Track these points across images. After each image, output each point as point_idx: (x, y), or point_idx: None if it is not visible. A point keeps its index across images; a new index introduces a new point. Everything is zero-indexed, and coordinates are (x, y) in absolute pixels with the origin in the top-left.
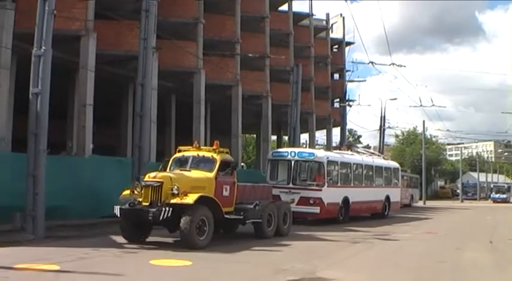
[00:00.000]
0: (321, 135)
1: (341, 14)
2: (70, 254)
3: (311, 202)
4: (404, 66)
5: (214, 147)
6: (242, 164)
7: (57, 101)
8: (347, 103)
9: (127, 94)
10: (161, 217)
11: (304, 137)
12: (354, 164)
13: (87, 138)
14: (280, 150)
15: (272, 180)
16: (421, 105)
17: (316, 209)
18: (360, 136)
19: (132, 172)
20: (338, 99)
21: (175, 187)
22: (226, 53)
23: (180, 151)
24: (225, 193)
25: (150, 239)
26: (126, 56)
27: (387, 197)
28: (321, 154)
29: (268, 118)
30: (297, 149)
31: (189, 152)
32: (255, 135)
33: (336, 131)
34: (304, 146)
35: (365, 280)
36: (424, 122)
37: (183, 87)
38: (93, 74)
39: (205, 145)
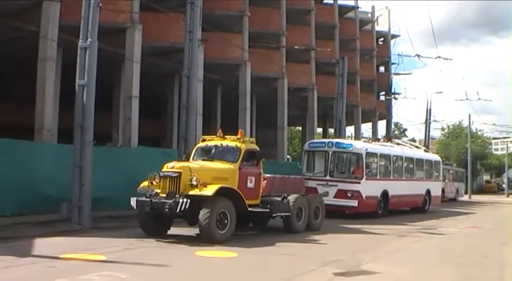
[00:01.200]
0: (366, 128)
1: (386, 7)
2: (116, 244)
3: (349, 195)
4: (451, 60)
5: (238, 136)
6: (288, 156)
7: (103, 93)
8: (393, 96)
9: (172, 86)
10: (178, 210)
11: (350, 130)
12: (393, 156)
13: (132, 130)
14: (317, 140)
15: (309, 172)
16: (466, 99)
17: (354, 203)
18: (405, 129)
19: None
20: (384, 92)
21: (194, 177)
22: (272, 45)
23: (204, 140)
24: (250, 185)
25: (174, 232)
26: (171, 48)
27: (428, 191)
28: (359, 145)
29: (314, 111)
30: (334, 140)
31: (213, 142)
32: (300, 128)
33: (382, 124)
34: (350, 139)
35: (411, 274)
36: (469, 115)
37: (229, 80)
38: (139, 66)
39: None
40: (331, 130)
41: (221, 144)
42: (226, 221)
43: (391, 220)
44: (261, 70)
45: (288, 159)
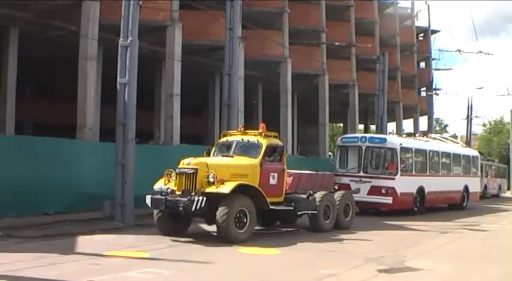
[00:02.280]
0: (407, 125)
1: (426, 2)
2: (159, 242)
3: (383, 191)
4: (492, 54)
5: (260, 130)
6: (329, 153)
7: (144, 91)
8: (434, 92)
9: (213, 84)
10: (193, 208)
11: (392, 127)
12: (429, 151)
13: (174, 128)
14: (350, 135)
15: (342, 168)
16: (508, 94)
17: (389, 200)
18: (446, 125)
19: None
20: (424, 88)
21: (211, 174)
22: (312, 42)
23: (224, 135)
24: (272, 181)
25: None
26: (212, 45)
27: (466, 187)
28: (394, 139)
29: (355, 107)
30: (368, 135)
31: (234, 137)
32: (342, 125)
33: (423, 120)
34: (392, 135)
35: (454, 270)
36: (511, 111)
37: (270, 77)
38: (180, 64)
39: (293, 136)
40: (373, 126)
41: (242, 139)
42: (245, 220)
43: (430, 217)
44: (302, 67)
45: (329, 156)
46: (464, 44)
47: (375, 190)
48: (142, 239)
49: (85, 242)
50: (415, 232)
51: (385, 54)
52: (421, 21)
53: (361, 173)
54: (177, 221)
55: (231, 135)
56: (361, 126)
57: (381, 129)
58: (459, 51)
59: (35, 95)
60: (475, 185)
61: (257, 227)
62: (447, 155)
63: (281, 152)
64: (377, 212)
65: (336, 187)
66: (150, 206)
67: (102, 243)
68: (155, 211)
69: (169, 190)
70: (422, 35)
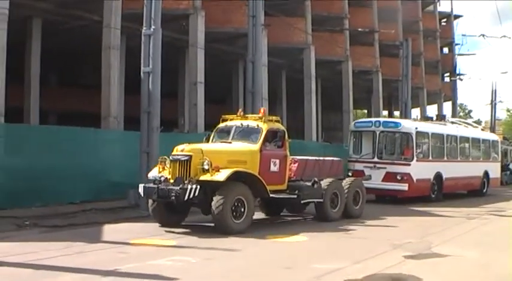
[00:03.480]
0: (431, 110)
1: None
2: (185, 229)
3: (398, 177)
4: None
5: (260, 114)
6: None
7: (168, 79)
8: (457, 77)
9: (237, 71)
10: (186, 197)
11: (416, 113)
12: (447, 135)
13: (198, 116)
14: (363, 120)
15: (355, 154)
16: None
17: (404, 186)
18: (470, 111)
19: None
20: (448, 74)
21: (206, 161)
22: (335, 28)
23: (224, 120)
24: (273, 168)
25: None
26: (235, 33)
27: (486, 173)
28: (408, 124)
29: (379, 93)
30: (382, 119)
31: (233, 122)
32: (366, 111)
33: (447, 106)
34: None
35: (481, 256)
36: None
37: (293, 64)
38: (203, 52)
39: (317, 122)
40: (397, 113)
41: (241, 124)
42: (243, 209)
43: (452, 203)
44: (325, 53)
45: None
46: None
47: (390, 177)
48: (168, 227)
49: (111, 230)
50: (441, 218)
51: (409, 40)
52: (443, 7)
53: (376, 159)
54: (173, 211)
55: (230, 120)
56: (385, 113)
57: (405, 115)
58: (483, 36)
59: (58, 85)
60: (495, 170)
61: (262, 216)
62: (466, 139)
63: (283, 137)
64: (394, 199)
65: (350, 174)
66: (142, 195)
67: (128, 231)
68: (150, 201)
69: (162, 178)
70: (445, 20)
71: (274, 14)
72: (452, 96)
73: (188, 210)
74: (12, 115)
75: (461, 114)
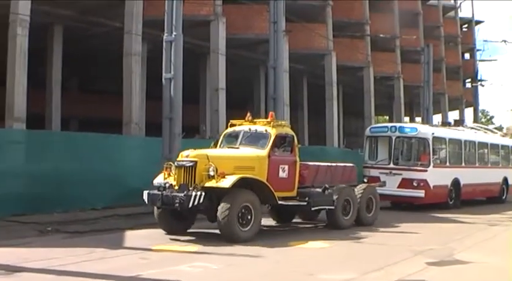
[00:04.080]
0: (453, 117)
1: None
2: (207, 236)
3: (414, 184)
4: None
5: (269, 119)
6: None
7: (189, 85)
8: (479, 83)
9: (258, 77)
10: (190, 204)
11: (437, 119)
12: (464, 141)
13: (220, 122)
14: (379, 125)
15: (371, 160)
16: None
17: (421, 193)
18: (492, 117)
19: None
20: (469, 80)
21: (212, 167)
22: (356, 34)
23: (232, 125)
24: (282, 174)
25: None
26: (256, 39)
27: (505, 179)
28: (425, 129)
29: (401, 99)
30: (398, 124)
31: (241, 127)
32: (387, 117)
33: (469, 112)
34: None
35: (505, 263)
36: None
37: (314, 70)
38: (224, 58)
39: (338, 128)
40: (418, 119)
41: (249, 129)
42: (249, 217)
43: (471, 210)
44: (346, 59)
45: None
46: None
47: (406, 183)
48: (190, 234)
49: (133, 236)
50: (462, 224)
51: (430, 46)
52: (464, 12)
53: (391, 165)
54: (179, 218)
55: (238, 125)
56: (406, 119)
57: (427, 121)
58: (504, 41)
59: (79, 91)
60: None
61: (272, 223)
62: (484, 145)
63: (292, 142)
64: (410, 206)
65: (365, 180)
66: (146, 202)
67: (150, 237)
68: (155, 208)
69: (167, 185)
70: (466, 26)
71: (295, 20)
72: (473, 102)
73: (194, 217)
74: (34, 121)
75: (483, 120)
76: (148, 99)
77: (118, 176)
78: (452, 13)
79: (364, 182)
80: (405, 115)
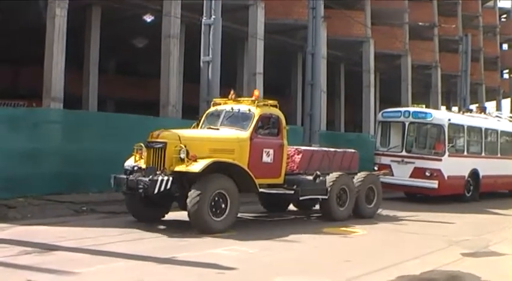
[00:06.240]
0: (490, 107)
1: None
2: (244, 219)
3: (427, 174)
4: None
5: (253, 98)
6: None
7: (227, 69)
8: None
9: (296, 63)
10: (156, 190)
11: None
12: (485, 129)
13: None
14: (392, 109)
15: (383, 146)
16: None
17: (434, 184)
18: None
19: (303, 140)
20: (507, 70)
21: (182, 149)
22: (395, 22)
23: (215, 104)
24: (267, 159)
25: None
26: (294, 25)
27: None
28: (441, 115)
29: (438, 88)
30: (412, 109)
31: (223, 106)
32: (423, 106)
33: (506, 103)
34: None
35: None
36: None
37: (352, 57)
38: (262, 43)
39: (375, 115)
40: (455, 108)
41: (232, 108)
42: (224, 206)
43: (490, 204)
44: (384, 47)
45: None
46: None
47: (418, 172)
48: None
49: (169, 218)
50: (496, 216)
51: (468, 35)
52: (503, 3)
53: (404, 153)
54: (151, 205)
55: (223, 104)
56: (443, 108)
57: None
58: None
59: (117, 73)
60: None
61: (260, 213)
62: (508, 134)
63: (278, 123)
64: (426, 197)
65: (376, 168)
66: (112, 186)
67: (186, 221)
68: (123, 192)
69: (136, 168)
70: (505, 16)
71: (334, 6)
72: (510, 93)
73: (170, 204)
74: (71, 102)
75: None
76: (185, 82)
77: None
78: (491, 3)
79: (374, 170)
80: (442, 104)
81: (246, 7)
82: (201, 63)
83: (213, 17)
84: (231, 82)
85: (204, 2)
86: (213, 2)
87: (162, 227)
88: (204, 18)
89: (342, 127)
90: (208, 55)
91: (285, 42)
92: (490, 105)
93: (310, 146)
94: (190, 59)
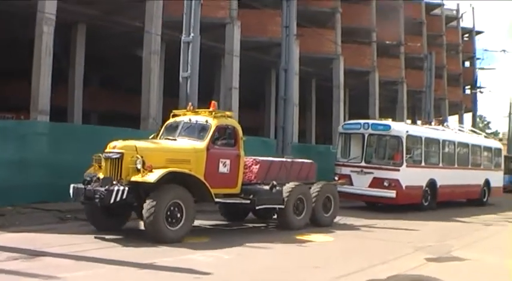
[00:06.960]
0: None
1: (471, 4)
2: (219, 227)
3: (385, 184)
4: None
5: (210, 109)
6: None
7: (205, 84)
8: (478, 90)
9: (270, 78)
10: (112, 200)
11: None
12: (443, 140)
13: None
14: (352, 121)
15: (343, 157)
16: None
17: (392, 193)
18: (489, 122)
19: (276, 152)
20: (469, 86)
21: (139, 159)
22: (364, 40)
23: (174, 116)
24: (223, 169)
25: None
26: (269, 42)
27: (486, 181)
28: (399, 127)
29: (404, 103)
30: (371, 121)
31: (182, 117)
32: (390, 120)
33: (468, 117)
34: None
35: (501, 261)
36: None
37: (323, 73)
38: (238, 59)
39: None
40: (419, 122)
41: (189, 120)
42: (179, 215)
43: (450, 212)
44: (354, 64)
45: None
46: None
47: (376, 182)
48: (202, 225)
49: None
50: (457, 223)
51: (432, 53)
52: (466, 22)
53: (363, 163)
54: (110, 214)
55: (182, 115)
56: (408, 122)
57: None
58: (504, 51)
59: (100, 87)
60: (497, 179)
61: (219, 222)
62: (465, 145)
63: (235, 134)
64: (386, 206)
65: (336, 178)
66: (71, 196)
67: None
68: (81, 203)
69: (94, 178)
70: (467, 35)
71: (306, 25)
72: (472, 108)
73: (129, 213)
74: (56, 114)
75: (480, 125)
76: (165, 96)
77: None
78: (454, 23)
79: (334, 180)
80: (407, 118)
81: (223, 25)
82: (180, 79)
83: (192, 34)
84: (209, 96)
85: (184, 20)
86: (191, 20)
87: (142, 234)
88: (184, 36)
89: (313, 139)
90: (187, 71)
91: (260, 59)
92: (453, 119)
93: (283, 157)
94: (170, 75)
